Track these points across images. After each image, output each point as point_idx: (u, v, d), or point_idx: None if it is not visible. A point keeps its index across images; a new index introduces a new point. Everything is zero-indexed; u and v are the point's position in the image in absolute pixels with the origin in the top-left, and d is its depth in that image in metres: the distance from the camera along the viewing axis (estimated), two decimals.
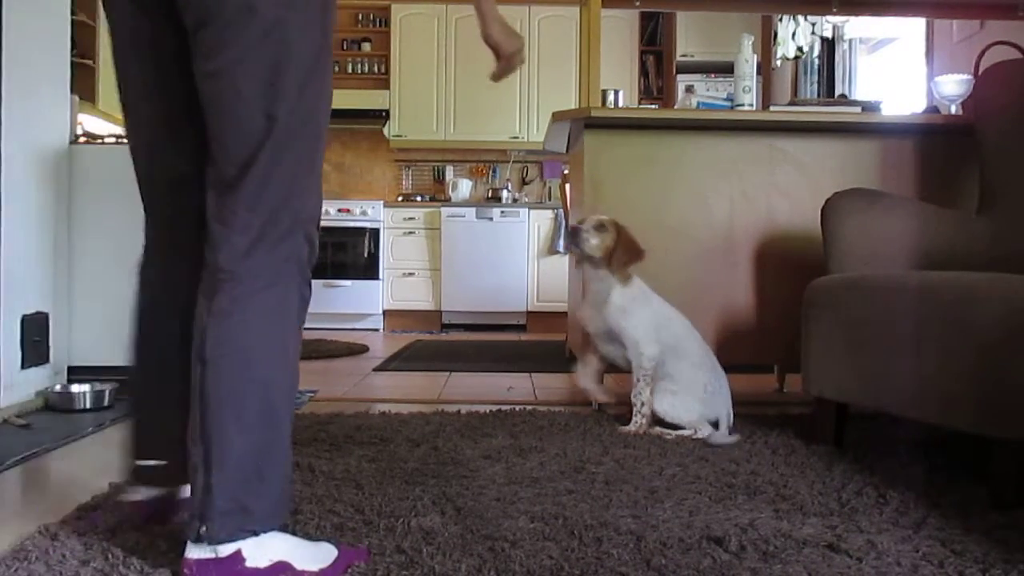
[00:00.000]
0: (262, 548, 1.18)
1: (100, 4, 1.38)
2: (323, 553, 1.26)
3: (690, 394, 2.25)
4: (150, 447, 1.42)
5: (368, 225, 6.04)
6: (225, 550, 1.16)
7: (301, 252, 1.27)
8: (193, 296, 1.25)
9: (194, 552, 1.16)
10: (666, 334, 2.33)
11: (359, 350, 4.59)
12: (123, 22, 1.33)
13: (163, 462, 1.39)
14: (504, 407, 2.59)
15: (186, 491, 1.37)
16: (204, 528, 1.15)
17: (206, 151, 1.26)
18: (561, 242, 5.93)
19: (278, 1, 1.19)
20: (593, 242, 2.30)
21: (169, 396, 1.38)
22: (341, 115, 6.21)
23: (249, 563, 1.17)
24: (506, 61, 1.73)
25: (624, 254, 2.31)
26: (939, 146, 2.82)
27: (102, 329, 2.97)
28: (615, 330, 2.33)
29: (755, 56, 2.96)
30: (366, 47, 6.66)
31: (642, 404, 2.29)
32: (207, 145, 1.25)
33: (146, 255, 1.45)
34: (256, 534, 1.18)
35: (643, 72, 6.71)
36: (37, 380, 2.75)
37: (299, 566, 1.20)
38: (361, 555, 1.29)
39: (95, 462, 2.01)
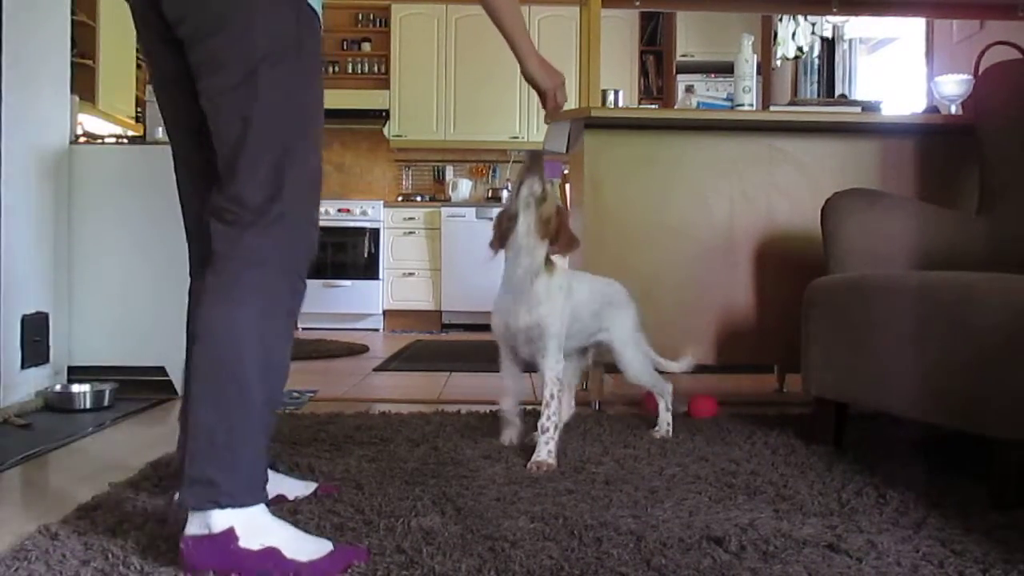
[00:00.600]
0: (254, 530, 1.22)
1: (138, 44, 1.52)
2: (317, 546, 1.27)
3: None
4: None
5: (368, 225, 6.04)
6: (218, 527, 1.20)
7: (294, 242, 1.31)
8: None
9: (191, 528, 1.21)
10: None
11: (359, 350, 4.59)
12: (157, 60, 1.43)
13: None
14: None
15: (295, 490, 1.55)
16: (178, 494, 1.22)
17: None
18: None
19: (238, 4, 1.26)
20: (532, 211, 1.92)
21: None
22: (341, 115, 6.21)
23: (241, 543, 1.20)
24: (551, 100, 1.92)
25: (567, 235, 1.96)
26: (939, 146, 2.82)
27: (102, 329, 2.97)
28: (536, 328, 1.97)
29: (755, 56, 2.95)
30: (366, 47, 6.66)
31: (555, 427, 1.93)
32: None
33: (193, 271, 1.54)
34: (222, 506, 1.20)
35: (643, 72, 6.71)
36: (37, 380, 2.75)
37: (288, 554, 1.22)
38: (360, 555, 1.29)
39: (95, 462, 2.01)
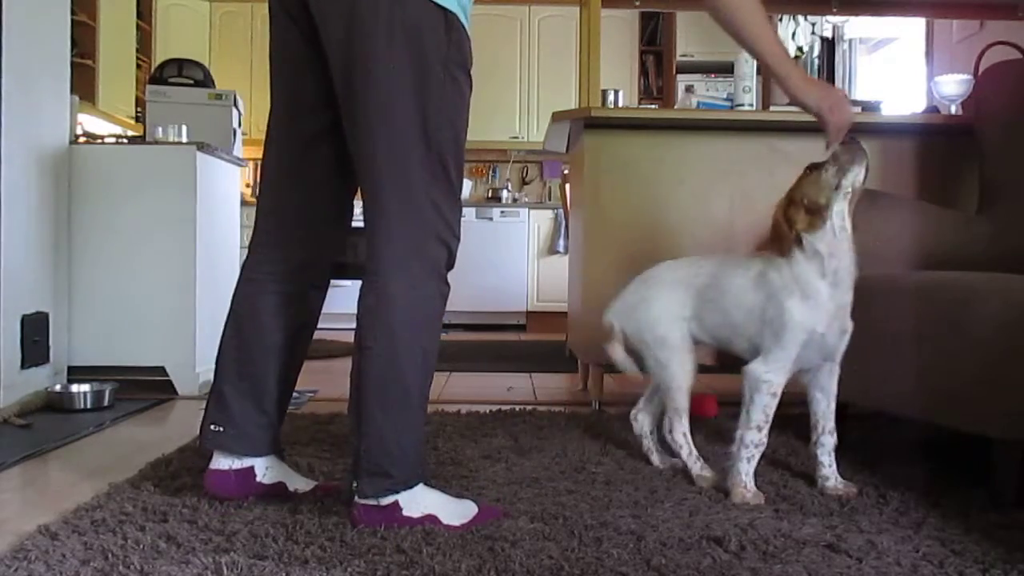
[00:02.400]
0: (415, 501, 1.41)
1: None
2: (465, 509, 1.46)
3: None
4: (221, 415, 1.56)
5: None
6: (385, 500, 1.40)
7: (431, 247, 1.45)
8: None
9: (361, 500, 1.41)
10: None
11: None
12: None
13: (221, 428, 1.54)
14: (504, 407, 2.59)
15: (295, 483, 1.61)
16: (356, 484, 1.41)
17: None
18: (562, 241, 5.93)
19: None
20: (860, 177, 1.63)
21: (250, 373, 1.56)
22: None
23: (405, 512, 1.41)
24: (829, 125, 1.66)
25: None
26: (939, 146, 2.82)
27: (102, 329, 2.97)
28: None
29: None
30: None
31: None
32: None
33: (275, 273, 1.62)
34: (396, 492, 1.40)
35: (643, 72, 6.71)
36: (37, 380, 2.75)
37: (445, 520, 1.42)
38: (495, 512, 1.48)
39: (95, 462, 2.01)
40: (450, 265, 1.49)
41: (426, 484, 1.47)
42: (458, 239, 1.49)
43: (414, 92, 1.37)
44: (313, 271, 1.60)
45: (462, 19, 1.41)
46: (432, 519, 1.41)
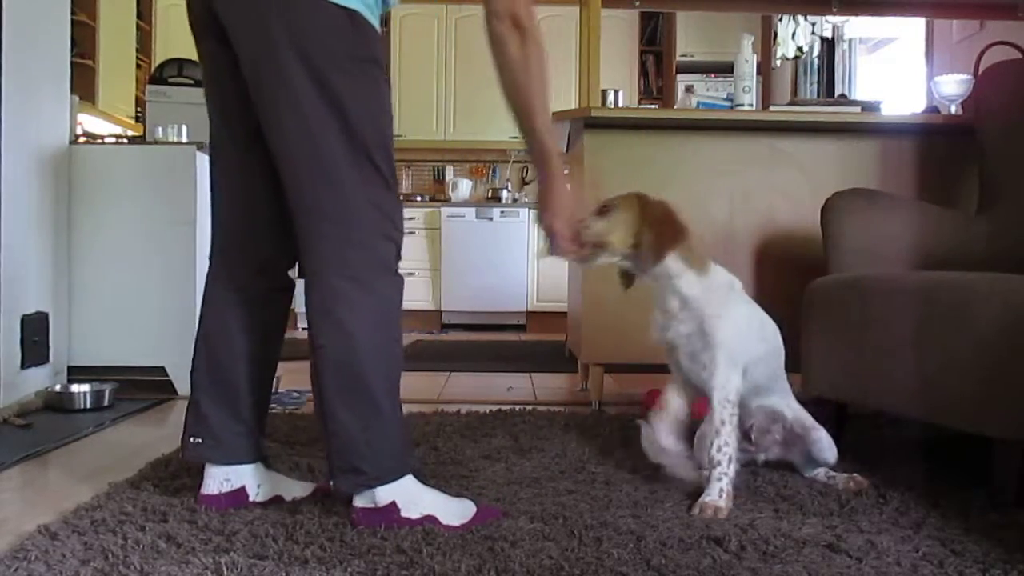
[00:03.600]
0: (414, 502, 1.42)
1: None
2: (464, 509, 1.47)
3: None
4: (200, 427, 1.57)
5: None
6: (382, 501, 1.41)
7: (376, 242, 1.44)
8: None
9: (359, 502, 1.42)
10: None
11: None
12: None
13: (201, 440, 1.56)
14: (504, 407, 2.59)
15: (292, 491, 1.60)
16: (332, 483, 1.43)
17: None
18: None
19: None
20: (598, 230, 1.62)
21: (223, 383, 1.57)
22: None
23: (403, 513, 1.41)
24: (544, 228, 1.63)
25: (657, 235, 1.60)
26: (939, 146, 2.82)
27: (102, 329, 2.97)
28: (700, 341, 1.66)
29: (755, 56, 2.95)
30: None
31: (729, 460, 1.60)
32: None
33: (225, 276, 1.63)
34: (372, 487, 1.40)
35: (643, 72, 6.71)
36: (37, 380, 2.75)
37: (444, 520, 1.43)
38: (495, 512, 1.48)
39: (95, 462, 2.01)
40: (398, 258, 1.48)
41: (416, 477, 1.48)
42: (401, 232, 1.49)
43: (325, 93, 1.37)
44: (271, 274, 1.60)
45: (367, 15, 1.40)
46: (431, 519, 1.42)
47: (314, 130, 1.38)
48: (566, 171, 1.59)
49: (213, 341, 1.57)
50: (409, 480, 1.46)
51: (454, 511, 1.46)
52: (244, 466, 1.57)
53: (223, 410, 1.55)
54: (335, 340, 1.41)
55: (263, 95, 1.40)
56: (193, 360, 1.58)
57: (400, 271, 1.49)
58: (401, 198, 1.54)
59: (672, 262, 1.62)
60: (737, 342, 1.65)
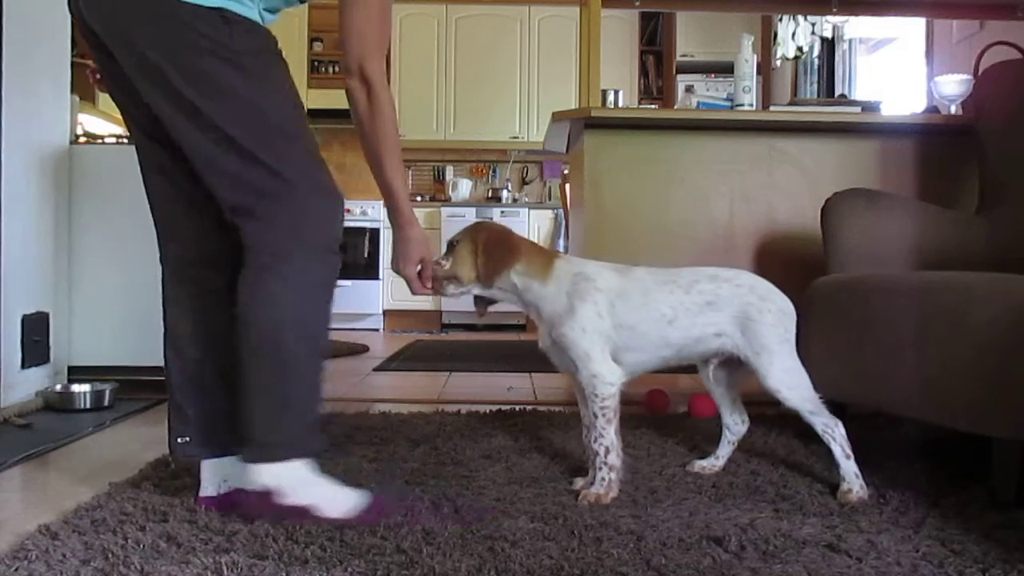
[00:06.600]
0: (301, 489, 1.43)
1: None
2: (352, 500, 1.47)
3: None
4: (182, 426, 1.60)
5: (368, 225, 6.04)
6: (269, 484, 1.42)
7: (307, 221, 1.46)
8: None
9: (246, 484, 1.43)
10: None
11: (359, 350, 4.59)
12: None
13: (188, 439, 1.58)
14: (504, 407, 2.59)
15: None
16: (242, 453, 1.44)
17: None
18: (562, 241, 5.94)
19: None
20: (445, 267, 1.69)
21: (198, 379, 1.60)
22: (341, 115, 6.19)
23: (288, 499, 1.42)
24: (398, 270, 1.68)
25: (487, 259, 1.67)
26: (939, 146, 2.82)
27: (102, 329, 2.97)
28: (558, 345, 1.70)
29: (755, 56, 2.96)
30: None
31: (606, 451, 1.64)
32: None
33: (171, 271, 1.66)
34: (274, 461, 1.42)
35: (643, 72, 6.72)
36: (37, 380, 2.75)
37: (326, 511, 1.43)
38: (392, 507, 1.47)
39: (95, 462, 2.01)
40: (331, 237, 1.49)
41: (312, 466, 1.47)
42: (334, 209, 1.51)
43: (215, 89, 1.39)
44: (221, 265, 1.57)
45: (237, 11, 1.41)
46: (313, 508, 1.42)
47: (212, 124, 1.39)
48: (416, 225, 1.65)
49: (179, 340, 1.58)
50: (300, 466, 1.46)
51: (339, 502, 1.45)
52: (236, 457, 1.57)
53: (202, 405, 1.57)
54: (259, 316, 1.42)
55: (153, 100, 1.42)
56: (164, 362, 1.59)
57: (332, 240, 1.49)
58: (324, 163, 1.55)
59: (516, 278, 1.70)
60: (593, 333, 1.66)
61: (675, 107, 4.78)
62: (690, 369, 1.88)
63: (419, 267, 1.66)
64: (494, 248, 1.69)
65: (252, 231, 1.44)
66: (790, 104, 3.78)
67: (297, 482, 1.44)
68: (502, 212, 6.12)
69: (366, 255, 6.03)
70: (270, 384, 1.43)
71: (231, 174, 1.43)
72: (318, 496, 1.44)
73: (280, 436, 1.44)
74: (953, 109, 2.89)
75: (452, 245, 1.73)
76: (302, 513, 1.41)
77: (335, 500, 1.45)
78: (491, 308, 1.84)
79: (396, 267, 1.67)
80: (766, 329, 1.70)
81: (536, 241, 6.03)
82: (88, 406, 2.62)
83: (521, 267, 1.70)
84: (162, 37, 1.38)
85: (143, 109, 1.47)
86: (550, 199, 6.70)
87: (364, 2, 1.49)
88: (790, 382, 1.70)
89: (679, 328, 1.69)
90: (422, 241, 1.65)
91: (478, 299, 1.80)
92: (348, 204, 6.07)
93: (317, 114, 6.43)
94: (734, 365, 1.81)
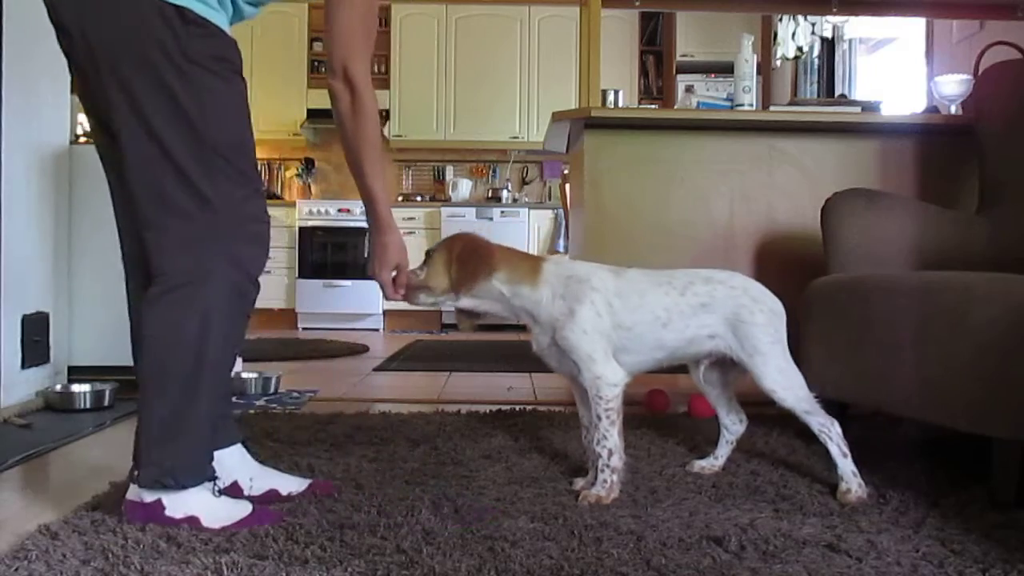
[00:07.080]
0: (180, 502, 1.41)
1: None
2: (234, 511, 1.43)
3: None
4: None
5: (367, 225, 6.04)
6: (149, 498, 1.40)
7: (226, 247, 1.42)
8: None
9: (130, 494, 1.42)
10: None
11: (359, 350, 4.59)
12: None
13: None
14: (504, 407, 2.59)
15: (288, 486, 1.61)
16: (136, 473, 1.42)
17: None
18: (562, 241, 5.94)
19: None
20: (420, 276, 1.71)
21: None
22: None
23: (168, 512, 1.40)
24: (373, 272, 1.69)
25: (460, 269, 1.68)
26: (939, 146, 2.82)
27: (102, 329, 2.97)
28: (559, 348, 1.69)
29: (755, 56, 2.96)
30: None
31: (609, 453, 1.64)
32: None
33: (128, 269, 1.67)
34: (170, 487, 1.40)
35: (643, 72, 6.72)
36: (37, 380, 2.75)
37: (206, 522, 1.40)
38: (270, 516, 1.43)
39: (95, 462, 2.01)
40: (257, 256, 1.46)
41: (205, 485, 1.45)
42: (257, 230, 1.47)
43: (160, 93, 1.34)
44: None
45: (199, 11, 1.37)
46: (193, 520, 1.40)
47: (151, 130, 1.35)
48: (395, 228, 1.66)
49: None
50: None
51: (220, 513, 1.42)
52: (228, 452, 1.59)
53: None
54: (158, 331, 1.40)
55: (100, 86, 1.37)
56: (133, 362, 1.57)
57: (251, 271, 1.45)
58: (263, 192, 1.52)
59: (501, 286, 1.69)
60: (594, 333, 1.65)
61: (675, 107, 4.78)
62: (686, 370, 1.88)
63: (395, 273, 1.64)
64: (467, 259, 1.67)
65: (161, 249, 1.40)
66: (790, 104, 3.78)
67: (181, 498, 1.41)
68: (502, 212, 6.12)
69: (366, 255, 6.02)
70: (173, 412, 1.39)
71: (153, 182, 1.38)
72: (199, 508, 1.41)
73: (181, 463, 1.41)
74: (953, 109, 2.89)
75: (429, 255, 1.73)
76: (186, 523, 1.39)
77: (216, 510, 1.42)
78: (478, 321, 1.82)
79: (371, 271, 1.66)
80: (758, 330, 1.70)
81: (538, 242, 6.05)
82: (88, 406, 2.62)
83: (504, 274, 1.69)
84: (117, 24, 1.33)
85: (93, 99, 1.44)
86: (550, 199, 6.70)
87: (349, 2, 1.47)
88: (785, 383, 1.70)
89: (674, 330, 1.69)
90: (400, 247, 1.63)
91: (461, 312, 1.78)
92: (348, 204, 6.08)
93: (317, 114, 6.45)
94: (726, 366, 1.82)
